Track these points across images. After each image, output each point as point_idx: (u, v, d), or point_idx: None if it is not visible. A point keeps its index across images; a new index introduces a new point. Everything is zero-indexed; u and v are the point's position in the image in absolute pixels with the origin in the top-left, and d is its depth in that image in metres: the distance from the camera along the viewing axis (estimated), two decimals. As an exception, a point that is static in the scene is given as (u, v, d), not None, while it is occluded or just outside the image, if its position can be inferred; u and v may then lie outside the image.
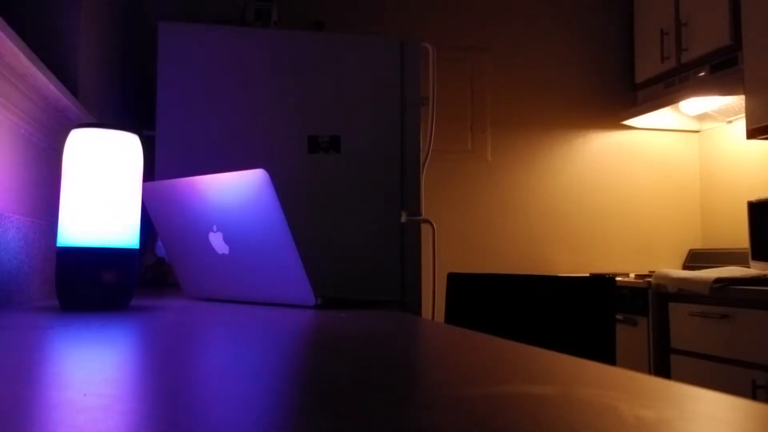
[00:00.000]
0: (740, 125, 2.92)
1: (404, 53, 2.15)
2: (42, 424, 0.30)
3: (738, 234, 2.98)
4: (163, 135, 1.98)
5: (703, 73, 2.71)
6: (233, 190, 1.03)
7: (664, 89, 2.96)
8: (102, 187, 0.99)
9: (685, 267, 3.18)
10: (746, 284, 2.11)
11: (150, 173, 2.29)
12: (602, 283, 1.48)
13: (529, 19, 3.22)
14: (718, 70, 2.63)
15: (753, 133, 2.41)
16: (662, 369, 2.44)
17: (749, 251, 2.58)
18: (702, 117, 3.01)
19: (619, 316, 2.62)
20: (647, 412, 0.33)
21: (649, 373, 2.42)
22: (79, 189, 0.99)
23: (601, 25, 3.29)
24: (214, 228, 1.10)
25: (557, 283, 1.54)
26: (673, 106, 2.80)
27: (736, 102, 2.69)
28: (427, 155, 2.23)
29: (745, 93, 2.43)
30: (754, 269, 2.45)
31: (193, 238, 1.16)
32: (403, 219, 2.09)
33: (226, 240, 1.10)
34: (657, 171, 3.28)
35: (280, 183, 2.01)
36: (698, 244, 3.26)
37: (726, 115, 2.92)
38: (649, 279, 2.51)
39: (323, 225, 2.03)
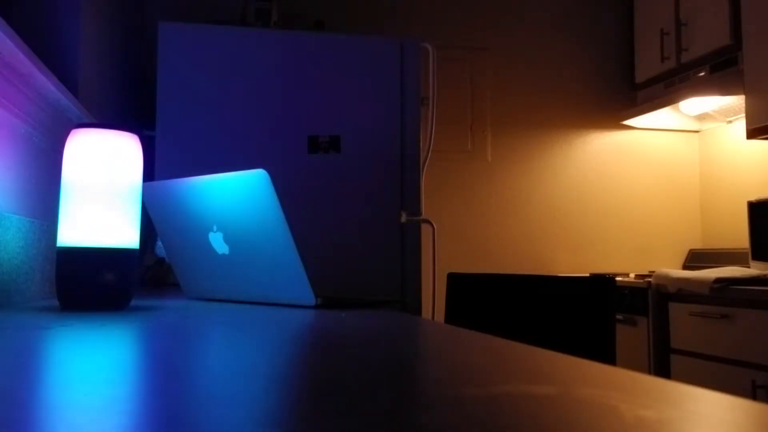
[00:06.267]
0: (740, 125, 2.92)
1: (404, 53, 2.15)
2: (42, 424, 0.30)
3: (738, 234, 2.98)
4: (163, 135, 1.98)
5: (703, 73, 2.71)
6: (233, 190, 1.03)
7: (664, 89, 2.96)
8: (102, 187, 0.99)
9: (685, 267, 3.18)
10: (746, 284, 2.11)
11: (150, 173, 2.30)
12: (602, 283, 1.48)
13: (529, 19, 3.22)
14: (718, 70, 2.63)
15: (753, 133, 2.41)
16: (662, 369, 2.44)
17: (749, 251, 2.58)
18: (702, 117, 3.01)
19: (619, 316, 2.62)
20: (647, 412, 0.33)
21: (649, 373, 2.42)
22: (79, 189, 0.99)
23: (601, 25, 3.29)
24: (214, 228, 1.11)
25: (557, 283, 1.54)
26: (673, 106, 2.80)
27: (736, 102, 2.69)
28: (427, 155, 2.23)
29: (745, 93, 2.43)
30: (754, 269, 2.45)
31: (193, 238, 1.16)
32: (403, 219, 2.09)
33: (226, 240, 1.10)
34: (657, 171, 3.28)
35: (280, 183, 2.01)
36: (698, 244, 3.26)
37: (726, 115, 2.92)
38: (649, 279, 2.51)
39: (323, 225, 2.03)
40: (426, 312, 2.73)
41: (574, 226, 3.17)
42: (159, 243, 1.93)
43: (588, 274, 2.19)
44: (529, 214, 3.13)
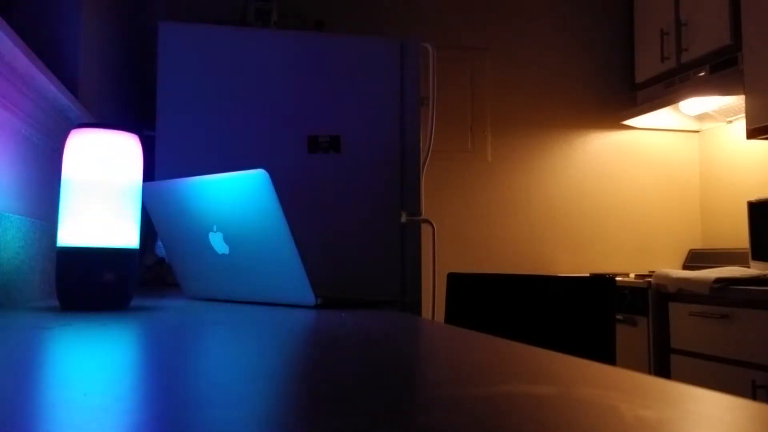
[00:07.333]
0: (740, 125, 2.92)
1: (404, 53, 2.15)
2: (42, 424, 0.30)
3: (738, 234, 2.98)
4: (163, 135, 1.98)
5: (703, 73, 2.71)
6: (233, 190, 1.03)
7: (664, 89, 2.96)
8: (102, 187, 0.99)
9: (685, 267, 3.18)
10: (746, 284, 2.11)
11: (150, 173, 2.29)
12: (602, 283, 1.48)
13: (529, 19, 3.22)
14: (718, 70, 2.63)
15: (753, 133, 2.41)
16: (662, 369, 2.44)
17: (749, 251, 2.58)
18: (702, 117, 3.01)
19: (619, 316, 2.62)
20: (647, 412, 0.33)
21: (649, 373, 2.42)
22: (79, 189, 0.99)
23: (601, 25, 3.29)
24: (214, 228, 1.11)
25: (557, 283, 1.54)
26: (673, 106, 2.80)
27: (736, 102, 2.69)
28: (427, 155, 2.23)
29: (745, 93, 2.43)
30: (754, 269, 2.45)
31: (193, 238, 1.16)
32: (403, 219, 2.09)
33: (226, 240, 1.10)
34: (657, 171, 3.28)
35: (280, 183, 2.01)
36: (698, 244, 3.26)
37: (726, 115, 2.92)
38: (649, 279, 2.51)
39: (323, 225, 2.03)
40: (426, 312, 2.73)
41: (574, 226, 3.17)
42: (159, 243, 1.93)
43: (588, 274, 2.19)
44: (529, 214, 3.13)
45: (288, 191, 2.01)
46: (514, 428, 0.30)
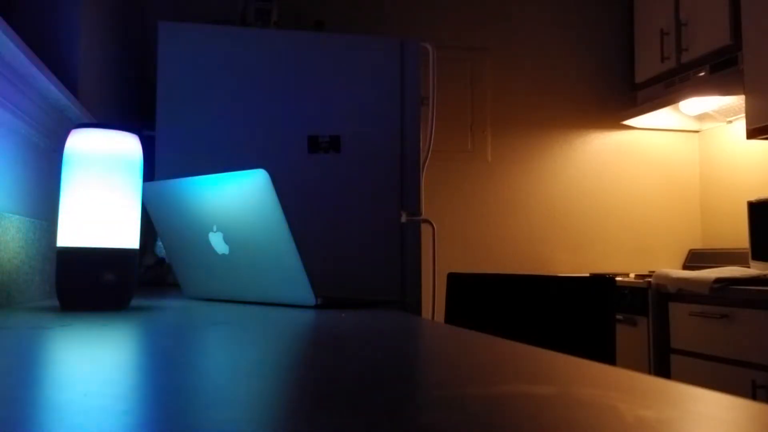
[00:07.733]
0: (740, 125, 2.92)
1: (404, 53, 2.15)
2: (42, 424, 0.30)
3: (738, 234, 2.98)
4: (163, 135, 1.98)
5: (703, 73, 2.71)
6: (233, 190, 1.03)
7: (664, 89, 2.96)
8: (102, 187, 0.99)
9: (685, 267, 3.18)
10: (746, 284, 2.11)
11: (150, 173, 2.29)
12: (602, 283, 1.48)
13: (529, 19, 3.22)
14: (718, 70, 2.63)
15: (753, 133, 2.41)
16: (662, 369, 2.44)
17: (749, 251, 2.58)
18: (702, 117, 3.01)
19: (619, 316, 2.62)
20: (647, 412, 0.33)
21: (649, 373, 2.42)
22: (79, 189, 0.99)
23: (601, 25, 3.29)
24: (214, 228, 1.10)
25: (557, 283, 1.54)
26: (673, 106, 2.80)
27: (736, 102, 2.69)
28: (427, 155, 2.23)
29: (745, 93, 2.43)
30: (754, 269, 2.45)
31: (193, 238, 1.16)
32: (403, 219, 2.09)
33: (226, 240, 1.10)
34: (657, 171, 3.28)
35: (280, 183, 2.01)
36: (698, 244, 3.26)
37: (726, 115, 2.92)
38: (649, 279, 2.51)
39: (323, 225, 2.03)
40: (426, 312, 2.73)
41: (574, 226, 3.17)
42: (159, 243, 1.93)
43: (588, 274, 2.19)
44: (529, 214, 3.13)
45: (288, 191, 2.01)
46: (514, 428, 0.30)
